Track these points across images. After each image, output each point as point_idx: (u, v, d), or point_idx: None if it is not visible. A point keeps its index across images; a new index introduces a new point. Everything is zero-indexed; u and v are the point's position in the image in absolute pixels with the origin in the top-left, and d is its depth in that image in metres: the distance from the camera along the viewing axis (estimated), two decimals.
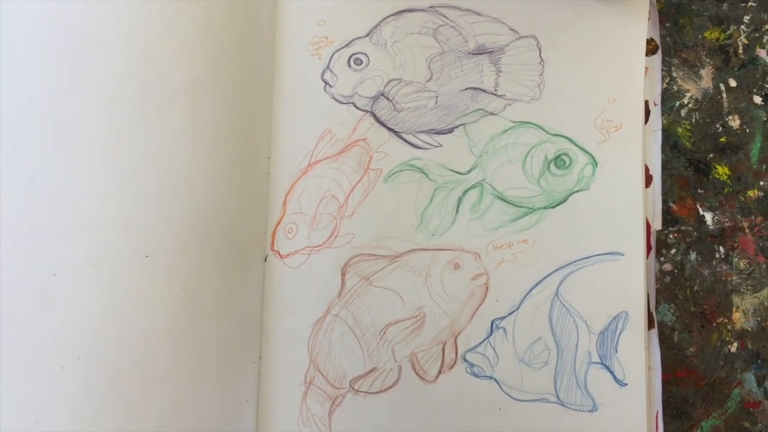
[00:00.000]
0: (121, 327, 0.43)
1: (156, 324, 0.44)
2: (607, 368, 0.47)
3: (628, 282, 0.47)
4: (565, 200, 0.49)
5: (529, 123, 0.50)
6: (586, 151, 0.49)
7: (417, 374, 0.48)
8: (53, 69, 0.43)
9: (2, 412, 0.40)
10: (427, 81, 0.51)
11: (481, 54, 0.51)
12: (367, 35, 0.52)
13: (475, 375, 0.48)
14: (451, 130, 0.50)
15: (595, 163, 0.49)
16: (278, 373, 0.49)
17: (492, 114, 0.50)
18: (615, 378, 0.47)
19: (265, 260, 0.51)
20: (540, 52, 0.51)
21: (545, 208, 0.49)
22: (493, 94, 0.51)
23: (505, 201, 0.49)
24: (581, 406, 0.47)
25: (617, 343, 0.47)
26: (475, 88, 0.51)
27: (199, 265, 0.46)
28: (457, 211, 0.50)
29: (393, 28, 0.51)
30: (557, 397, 0.47)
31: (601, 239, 0.48)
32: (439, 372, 0.48)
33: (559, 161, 0.49)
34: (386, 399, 0.48)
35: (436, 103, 0.51)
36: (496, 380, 0.48)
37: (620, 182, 0.49)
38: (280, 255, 0.51)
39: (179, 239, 0.45)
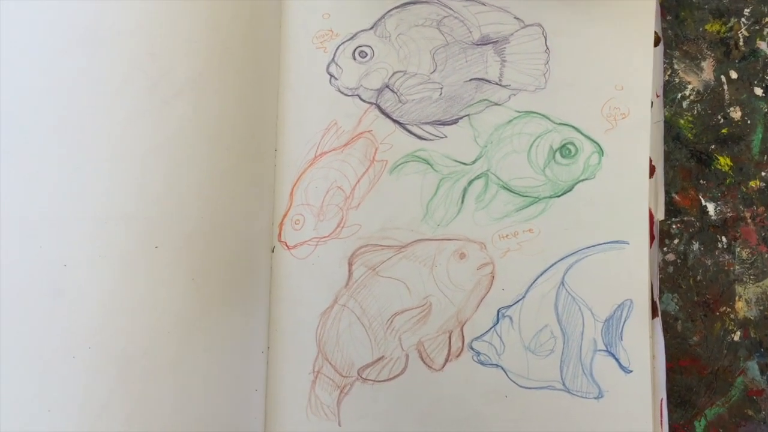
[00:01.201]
0: (131, 317, 0.43)
1: (165, 314, 0.44)
2: (613, 356, 0.46)
3: (633, 270, 0.47)
4: (570, 189, 0.48)
5: (534, 113, 0.49)
6: (592, 140, 0.48)
7: (424, 362, 0.48)
8: (60, 63, 0.43)
9: (15, 401, 0.40)
10: (431, 73, 0.50)
11: (486, 44, 0.50)
12: (371, 28, 0.51)
13: (482, 363, 0.47)
14: (455, 121, 0.50)
15: (601, 151, 0.48)
16: (286, 362, 0.49)
17: (496, 104, 0.49)
18: (620, 365, 0.46)
19: (273, 251, 0.50)
20: (546, 40, 0.50)
21: (550, 197, 0.48)
22: (497, 84, 0.50)
23: (511, 191, 0.49)
24: (587, 393, 0.46)
25: (622, 330, 0.46)
26: (479, 79, 0.50)
27: (208, 256, 0.46)
28: (462, 202, 0.49)
29: (397, 21, 0.51)
30: (563, 385, 0.47)
31: (606, 228, 0.47)
32: (446, 360, 0.48)
33: (565, 150, 0.48)
34: (394, 387, 0.48)
35: (441, 94, 0.50)
36: (502, 368, 0.47)
37: (626, 171, 0.48)
38: (287, 246, 0.50)
39: (187, 231, 0.45)
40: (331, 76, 0.51)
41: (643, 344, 0.46)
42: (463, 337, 0.48)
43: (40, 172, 0.42)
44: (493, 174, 0.49)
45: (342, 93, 0.51)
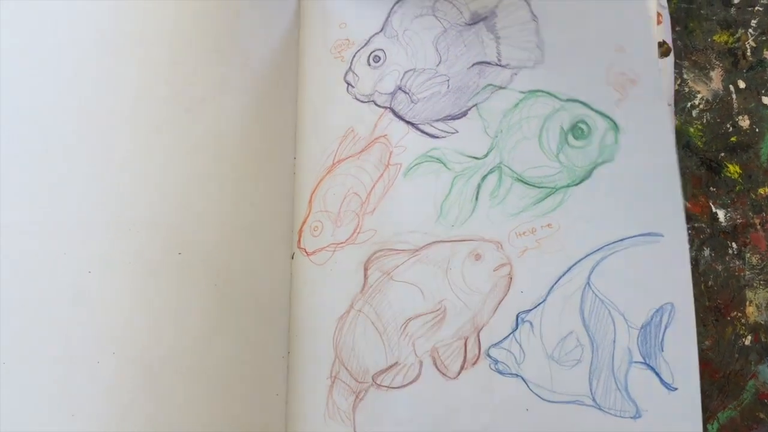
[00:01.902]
0: (154, 323, 0.40)
1: (188, 320, 0.41)
2: (652, 369, 0.38)
3: (670, 268, 0.38)
4: (589, 175, 0.41)
5: (538, 91, 0.43)
6: (603, 115, 0.41)
7: (438, 370, 0.42)
8: (83, 72, 0.41)
9: (39, 405, 0.38)
10: (437, 65, 0.46)
11: (477, 23, 0.46)
12: (381, 30, 0.48)
13: (500, 372, 0.41)
14: (464, 113, 0.45)
15: (616, 127, 0.41)
16: (306, 367, 0.45)
17: (501, 88, 0.44)
18: (662, 381, 0.38)
19: (292, 258, 0.47)
20: (530, 7, 0.44)
21: (568, 186, 0.41)
22: (498, 65, 0.45)
23: (525, 183, 0.42)
24: (622, 412, 0.38)
25: (663, 339, 0.38)
26: (480, 62, 0.45)
27: (229, 263, 0.43)
28: (476, 199, 0.44)
29: (401, 16, 0.48)
30: (593, 400, 0.39)
31: (635, 218, 0.39)
32: (461, 368, 0.42)
33: (577, 130, 0.42)
34: (408, 394, 0.43)
35: (448, 87, 0.46)
36: (522, 378, 0.40)
37: (647, 148, 0.39)
38: (306, 252, 0.47)
39: (210, 238, 0.42)
40: (348, 84, 0.48)
41: (690, 356, 0.37)
42: (479, 343, 0.42)
43: (64, 179, 0.39)
44: (506, 166, 0.43)
45: (358, 100, 0.48)
